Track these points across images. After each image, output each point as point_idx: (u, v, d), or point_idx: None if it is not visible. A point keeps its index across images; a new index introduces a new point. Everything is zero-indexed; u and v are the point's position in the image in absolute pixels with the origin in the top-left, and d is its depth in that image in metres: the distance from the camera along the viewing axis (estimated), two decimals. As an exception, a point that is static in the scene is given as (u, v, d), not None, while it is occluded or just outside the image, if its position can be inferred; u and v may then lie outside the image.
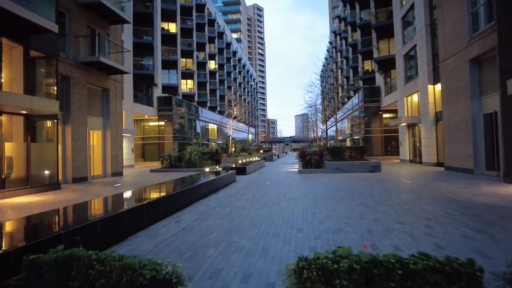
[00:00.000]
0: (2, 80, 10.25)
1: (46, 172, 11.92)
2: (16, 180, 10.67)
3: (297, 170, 18.84)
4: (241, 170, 17.13)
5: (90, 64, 15.50)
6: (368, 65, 36.77)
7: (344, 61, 49.02)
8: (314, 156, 17.65)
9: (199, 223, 6.27)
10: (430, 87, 19.59)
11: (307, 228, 5.64)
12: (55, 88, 12.38)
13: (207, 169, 18.97)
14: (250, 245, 4.73)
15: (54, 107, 10.89)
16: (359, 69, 37.39)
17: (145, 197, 7.54)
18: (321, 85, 72.85)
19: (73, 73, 14.70)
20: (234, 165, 20.21)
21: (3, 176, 10.11)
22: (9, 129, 10.74)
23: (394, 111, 29.80)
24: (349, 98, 44.46)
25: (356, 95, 36.86)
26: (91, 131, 16.38)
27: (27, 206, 8.65)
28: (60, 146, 13.95)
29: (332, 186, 11.44)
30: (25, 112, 10.37)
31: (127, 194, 8.05)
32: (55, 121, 12.37)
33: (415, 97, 22.64)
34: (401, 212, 6.71)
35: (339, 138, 38.74)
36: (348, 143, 39.79)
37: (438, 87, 19.03)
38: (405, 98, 24.25)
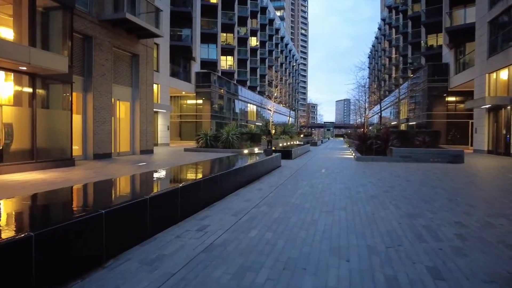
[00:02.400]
0: None
1: (57, 145, 10.04)
2: (18, 152, 8.84)
3: (353, 156, 15.80)
4: (286, 154, 14.45)
5: (116, 23, 13.38)
6: (433, 40, 31.80)
7: (401, 37, 43.63)
8: (377, 140, 14.45)
9: (236, 235, 3.72)
10: (531, 58, 15.33)
11: (443, 266, 2.85)
12: (68, 44, 10.26)
13: (245, 151, 16.57)
14: (350, 318, 2.07)
15: (61, 64, 8.75)
16: (422, 44, 32.50)
17: (158, 184, 5.15)
18: (369, 67, 67.13)
19: (96, 32, 12.66)
20: (274, 148, 17.66)
21: (0, 148, 8.27)
22: (8, 89, 8.84)
23: (463, 93, 25.31)
24: (404, 79, 39.55)
25: (417, 74, 32.24)
26: (118, 101, 14.45)
27: (14, 187, 6.68)
28: (79, 117, 12.15)
29: (416, 180, 8.38)
30: (25, 68, 8.36)
31: (139, 178, 5.71)
32: (70, 84, 10.36)
33: (504, 73, 18.26)
34: None
35: (393, 123, 34.52)
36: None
37: (545, 58, 14.78)
38: (487, 75, 19.83)
